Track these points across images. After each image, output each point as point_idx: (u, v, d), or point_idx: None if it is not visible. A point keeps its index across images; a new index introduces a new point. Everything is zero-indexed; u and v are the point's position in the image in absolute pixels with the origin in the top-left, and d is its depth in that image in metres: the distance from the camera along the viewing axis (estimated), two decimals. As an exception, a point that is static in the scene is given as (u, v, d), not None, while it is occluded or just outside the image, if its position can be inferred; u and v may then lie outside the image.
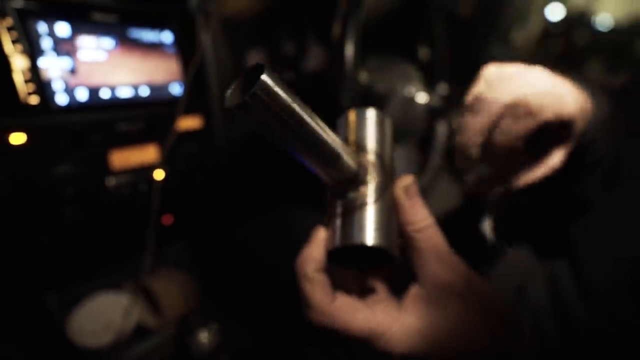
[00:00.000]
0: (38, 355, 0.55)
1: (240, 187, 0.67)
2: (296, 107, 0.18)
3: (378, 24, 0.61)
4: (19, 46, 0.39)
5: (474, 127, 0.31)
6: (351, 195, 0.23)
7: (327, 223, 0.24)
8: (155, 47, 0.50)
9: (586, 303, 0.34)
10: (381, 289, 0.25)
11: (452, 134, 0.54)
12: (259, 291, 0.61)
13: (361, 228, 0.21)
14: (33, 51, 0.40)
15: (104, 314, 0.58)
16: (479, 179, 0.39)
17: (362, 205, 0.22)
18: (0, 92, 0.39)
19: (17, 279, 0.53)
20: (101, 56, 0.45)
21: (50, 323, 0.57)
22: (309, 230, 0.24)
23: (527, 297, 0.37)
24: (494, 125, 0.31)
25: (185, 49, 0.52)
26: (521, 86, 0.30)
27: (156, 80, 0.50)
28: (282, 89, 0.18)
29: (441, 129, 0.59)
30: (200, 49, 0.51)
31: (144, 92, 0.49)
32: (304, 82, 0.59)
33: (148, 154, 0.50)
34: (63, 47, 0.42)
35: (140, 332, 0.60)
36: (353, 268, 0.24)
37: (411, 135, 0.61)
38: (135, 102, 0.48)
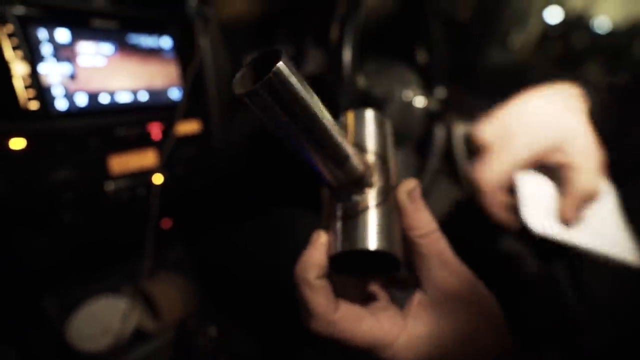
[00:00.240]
0: (36, 359, 0.55)
1: (238, 191, 0.67)
2: (311, 100, 0.17)
3: (376, 27, 0.61)
4: (20, 52, 0.39)
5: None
6: (355, 198, 0.22)
7: (327, 226, 0.23)
8: (154, 53, 0.50)
9: (585, 307, 0.33)
10: (382, 295, 0.24)
11: (450, 137, 0.54)
12: (258, 295, 0.61)
13: (365, 232, 0.20)
14: (33, 57, 0.40)
15: (103, 318, 0.58)
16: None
17: (366, 208, 0.21)
18: (0, 98, 0.39)
19: (16, 283, 0.53)
20: (100, 62, 0.45)
21: (48, 327, 0.57)
22: (308, 234, 0.23)
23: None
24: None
25: (184, 54, 0.52)
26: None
27: (155, 85, 0.51)
28: (298, 79, 0.16)
29: (439, 132, 0.59)
30: (199, 53, 0.52)
31: (143, 97, 0.49)
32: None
33: (147, 158, 0.50)
34: (63, 53, 0.42)
35: (139, 336, 0.60)
36: (355, 275, 0.23)
37: (409, 139, 0.61)
38: (134, 107, 0.49)
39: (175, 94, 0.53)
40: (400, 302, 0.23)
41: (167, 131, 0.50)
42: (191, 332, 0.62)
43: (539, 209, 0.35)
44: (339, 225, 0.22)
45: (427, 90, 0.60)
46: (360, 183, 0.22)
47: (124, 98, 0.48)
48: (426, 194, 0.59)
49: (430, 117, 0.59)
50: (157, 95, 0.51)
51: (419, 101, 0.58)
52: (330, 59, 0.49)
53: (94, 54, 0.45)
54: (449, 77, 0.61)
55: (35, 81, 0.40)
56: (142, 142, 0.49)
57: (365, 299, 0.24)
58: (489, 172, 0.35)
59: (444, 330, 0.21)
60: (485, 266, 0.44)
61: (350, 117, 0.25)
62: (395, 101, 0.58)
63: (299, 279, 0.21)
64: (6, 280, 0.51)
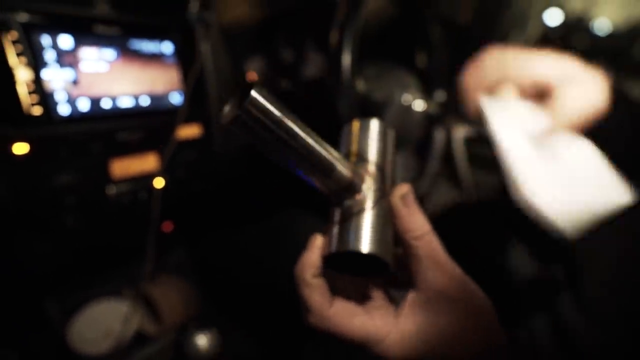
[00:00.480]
0: (38, 363, 0.56)
1: (239, 194, 0.68)
2: (288, 120, 0.19)
3: (375, 31, 0.62)
4: (23, 59, 0.40)
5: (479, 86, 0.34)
6: (347, 202, 0.23)
7: (325, 229, 0.24)
8: (156, 58, 0.51)
9: (585, 316, 0.33)
10: (378, 295, 0.25)
11: (449, 140, 0.54)
12: (259, 297, 0.61)
13: (356, 235, 0.22)
14: (37, 63, 0.41)
15: (104, 321, 0.58)
16: (476, 184, 0.39)
17: (359, 212, 0.22)
18: (4, 104, 0.40)
19: (18, 286, 0.54)
20: (103, 67, 0.46)
21: (50, 330, 0.57)
22: (308, 236, 0.24)
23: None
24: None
25: (185, 59, 0.53)
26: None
27: (156, 90, 0.51)
28: (272, 103, 0.18)
29: (439, 135, 0.59)
30: (200, 58, 0.52)
31: (145, 101, 0.50)
32: (302, 90, 0.60)
33: (148, 162, 0.50)
34: (66, 59, 0.43)
35: (140, 339, 0.60)
36: (349, 274, 0.25)
37: (409, 142, 0.61)
38: (135, 112, 0.49)
39: (176, 98, 0.53)
40: (398, 302, 0.24)
41: (168, 135, 0.50)
42: (192, 335, 0.62)
43: (512, 123, 0.35)
44: (333, 228, 0.23)
45: (427, 94, 0.60)
46: (350, 189, 0.23)
47: (126, 103, 0.48)
48: (426, 197, 0.59)
49: (430, 120, 0.59)
50: (158, 100, 0.51)
51: (419, 105, 0.58)
52: (330, 63, 0.49)
53: (96, 60, 0.45)
54: (449, 81, 0.61)
55: (38, 87, 0.41)
56: (144, 146, 0.50)
57: (362, 298, 0.25)
58: (478, 77, 0.35)
59: (431, 328, 0.22)
60: (485, 268, 0.44)
61: (355, 126, 0.27)
62: (394, 105, 0.58)
63: (297, 278, 0.23)
64: (8, 283, 0.51)
